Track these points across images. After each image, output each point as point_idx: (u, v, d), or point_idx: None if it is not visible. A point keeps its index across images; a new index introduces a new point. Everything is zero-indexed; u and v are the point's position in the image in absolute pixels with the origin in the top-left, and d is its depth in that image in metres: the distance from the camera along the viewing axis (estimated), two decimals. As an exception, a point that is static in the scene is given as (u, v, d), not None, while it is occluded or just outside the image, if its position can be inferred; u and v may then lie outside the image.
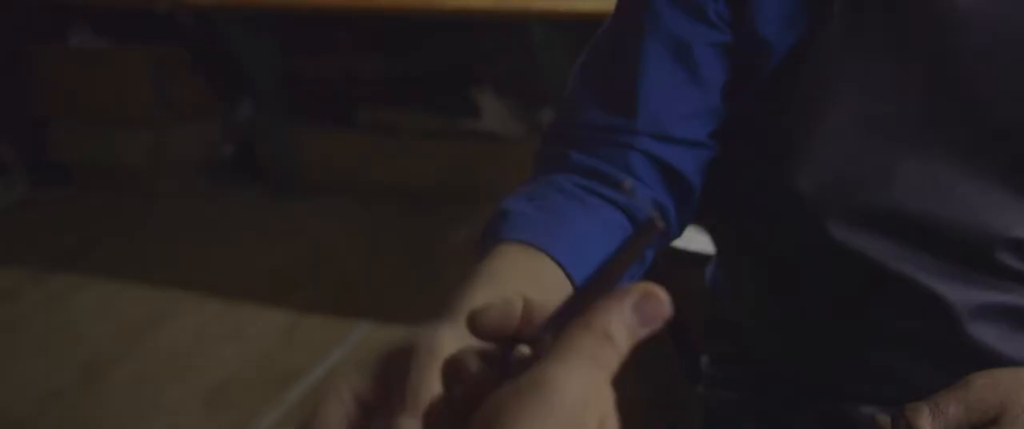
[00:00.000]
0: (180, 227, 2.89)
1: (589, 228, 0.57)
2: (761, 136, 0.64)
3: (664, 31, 0.63)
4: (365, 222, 2.87)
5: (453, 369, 0.32)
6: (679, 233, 0.67)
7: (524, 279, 0.50)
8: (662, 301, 0.29)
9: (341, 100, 3.15)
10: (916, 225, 0.60)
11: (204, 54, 3.18)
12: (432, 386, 0.32)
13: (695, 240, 0.87)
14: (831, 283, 0.65)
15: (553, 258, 0.53)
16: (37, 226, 2.93)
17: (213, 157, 3.29)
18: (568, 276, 0.53)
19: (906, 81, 0.60)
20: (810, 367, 0.70)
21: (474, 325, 0.33)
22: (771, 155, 0.63)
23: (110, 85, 3.10)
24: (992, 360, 0.62)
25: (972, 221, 0.60)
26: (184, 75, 3.16)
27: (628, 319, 0.29)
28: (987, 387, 0.50)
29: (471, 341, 0.33)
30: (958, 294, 0.61)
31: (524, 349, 0.32)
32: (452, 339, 0.34)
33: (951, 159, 0.60)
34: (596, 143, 0.63)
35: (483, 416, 0.27)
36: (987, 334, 0.62)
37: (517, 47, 2.75)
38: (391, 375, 0.34)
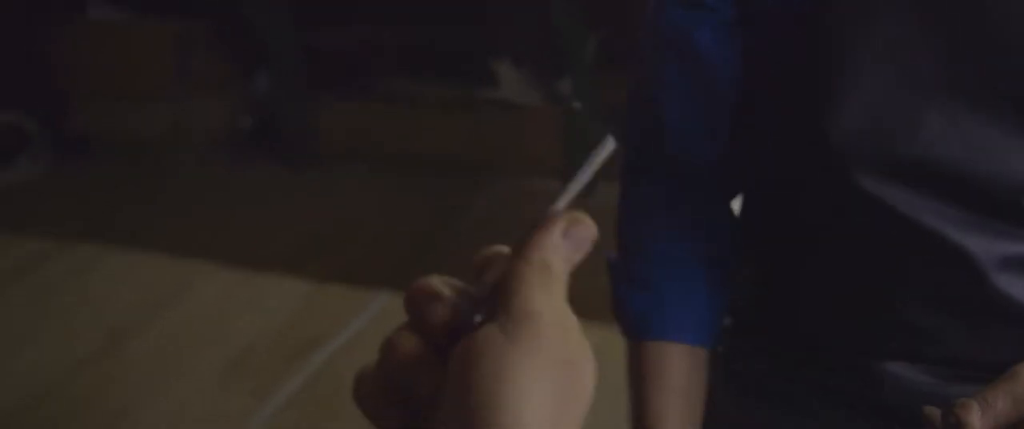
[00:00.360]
0: (200, 198, 2.91)
1: (696, 294, 0.69)
2: (789, 92, 0.64)
3: (668, 32, 0.67)
4: (384, 192, 2.87)
5: (427, 296, 0.33)
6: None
7: (680, 375, 0.68)
8: (588, 225, 0.32)
9: (359, 71, 3.14)
10: (942, 175, 0.59)
11: (223, 26, 3.18)
12: None
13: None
14: (859, 238, 0.64)
15: (687, 343, 0.68)
16: (60, 198, 2.96)
17: (233, 129, 3.30)
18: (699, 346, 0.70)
19: (928, 28, 0.59)
20: (835, 324, 0.69)
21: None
22: (801, 108, 0.63)
23: (130, 58, 3.11)
24: (1018, 312, 0.61)
25: (998, 171, 0.59)
26: (204, 47, 3.17)
27: (561, 248, 0.32)
28: None
29: None
30: (983, 246, 0.60)
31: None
32: None
33: (976, 107, 0.59)
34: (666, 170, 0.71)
35: (469, 352, 0.29)
36: (1013, 286, 0.61)
37: (535, 16, 2.73)
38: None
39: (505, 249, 0.34)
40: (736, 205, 0.78)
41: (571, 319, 0.31)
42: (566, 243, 0.32)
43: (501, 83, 2.92)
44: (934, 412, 0.51)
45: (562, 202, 0.33)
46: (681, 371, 0.68)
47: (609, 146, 0.33)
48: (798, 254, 0.70)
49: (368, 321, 2.10)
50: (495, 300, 0.31)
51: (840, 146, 0.60)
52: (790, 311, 0.73)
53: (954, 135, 0.59)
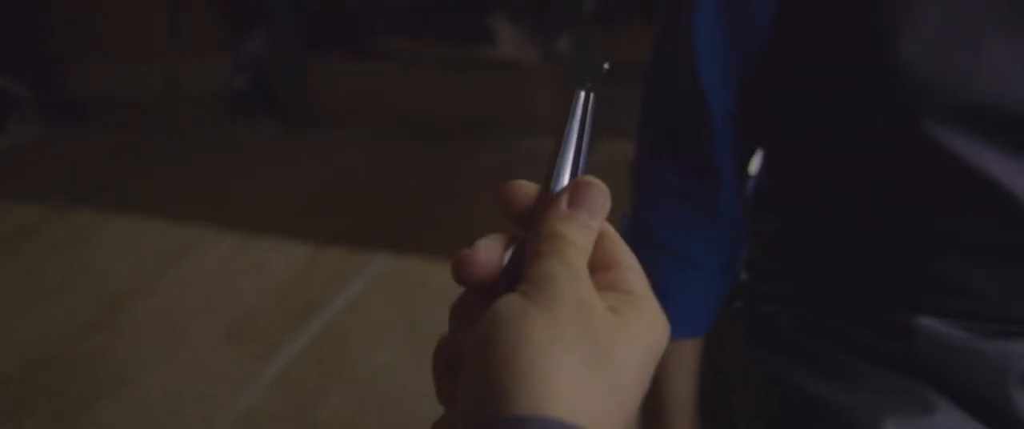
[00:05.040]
0: (198, 161, 2.88)
1: (695, 293, 0.71)
2: (851, 27, 0.60)
3: None
4: (383, 152, 2.85)
5: (467, 264, 0.33)
6: None
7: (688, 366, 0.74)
8: (595, 187, 0.33)
9: (357, 30, 3.09)
10: (1004, 116, 0.56)
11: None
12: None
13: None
14: (910, 188, 0.61)
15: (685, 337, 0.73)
16: (55, 162, 2.93)
17: (229, 90, 3.26)
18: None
19: None
20: (868, 278, 0.67)
21: (510, 203, 0.35)
22: (865, 43, 0.59)
23: (124, 19, 3.06)
24: None
25: None
26: (198, 7, 3.11)
27: (571, 217, 0.33)
28: None
29: None
30: None
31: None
32: None
33: None
34: (682, 146, 0.70)
35: (491, 315, 0.30)
36: None
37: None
38: None
39: (529, 185, 0.35)
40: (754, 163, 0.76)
41: (588, 289, 0.31)
42: (578, 211, 0.33)
43: (499, 41, 2.87)
44: None
45: (563, 169, 0.34)
46: (682, 362, 0.73)
47: (584, 98, 0.34)
48: (834, 206, 0.68)
49: (369, 282, 2.08)
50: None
51: (908, 81, 0.56)
52: (818, 264, 0.70)
53: (1016, 70, 0.55)
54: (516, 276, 0.32)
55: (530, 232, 0.33)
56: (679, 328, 0.72)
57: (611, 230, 0.34)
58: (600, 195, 0.33)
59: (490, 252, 0.33)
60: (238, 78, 3.27)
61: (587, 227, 0.33)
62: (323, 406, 1.69)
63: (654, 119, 0.71)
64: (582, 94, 0.35)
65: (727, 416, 0.76)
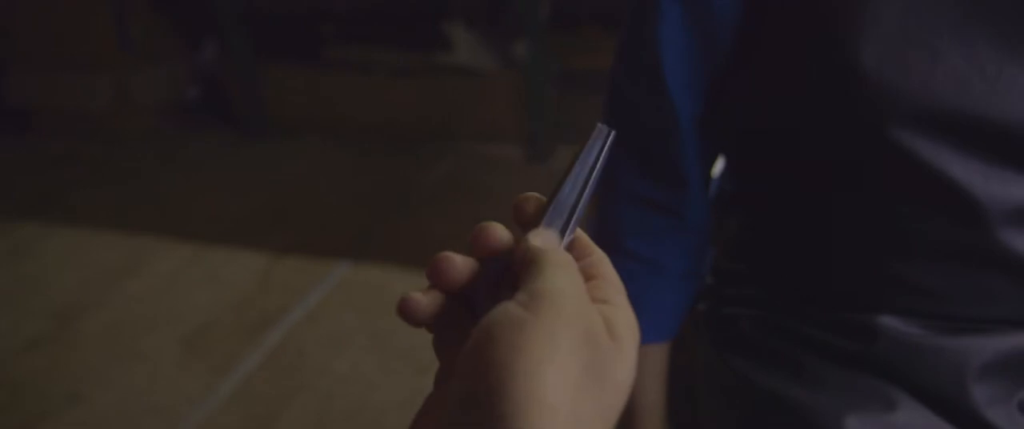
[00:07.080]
0: (148, 172, 2.82)
1: (664, 298, 0.73)
2: (810, 30, 0.61)
3: None
4: (338, 161, 2.82)
5: (445, 266, 0.34)
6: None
7: (658, 371, 0.75)
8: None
9: (310, 37, 3.06)
10: (956, 118, 0.57)
11: (164, -8, 3.07)
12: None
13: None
14: (873, 190, 0.62)
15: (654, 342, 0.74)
16: (-1, 175, 2.85)
17: (179, 99, 3.20)
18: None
19: None
20: (830, 278, 0.68)
21: (521, 213, 0.36)
22: (824, 48, 0.60)
23: (69, 26, 2.99)
24: (1020, 266, 0.60)
25: (1017, 115, 0.56)
26: (146, 14, 3.05)
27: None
28: None
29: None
30: (997, 197, 0.58)
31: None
32: None
33: (997, 45, 0.56)
34: (647, 147, 0.70)
35: (488, 325, 0.30)
36: (1017, 239, 0.59)
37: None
38: None
39: (539, 196, 0.36)
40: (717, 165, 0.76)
41: (592, 311, 0.31)
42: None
43: (455, 47, 2.86)
44: None
45: (567, 191, 0.35)
46: (652, 367, 0.74)
47: (603, 135, 0.36)
48: (797, 208, 0.68)
49: (327, 292, 2.06)
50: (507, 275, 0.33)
51: (868, 88, 0.57)
52: (781, 266, 0.71)
53: (973, 75, 0.56)
54: (495, 286, 0.33)
55: (519, 245, 0.34)
56: (648, 333, 0.72)
57: (586, 237, 0.35)
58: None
59: (466, 260, 0.34)
60: (190, 87, 3.21)
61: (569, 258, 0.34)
62: (283, 418, 1.67)
63: (619, 126, 0.71)
64: (605, 131, 0.36)
65: (694, 418, 0.77)
